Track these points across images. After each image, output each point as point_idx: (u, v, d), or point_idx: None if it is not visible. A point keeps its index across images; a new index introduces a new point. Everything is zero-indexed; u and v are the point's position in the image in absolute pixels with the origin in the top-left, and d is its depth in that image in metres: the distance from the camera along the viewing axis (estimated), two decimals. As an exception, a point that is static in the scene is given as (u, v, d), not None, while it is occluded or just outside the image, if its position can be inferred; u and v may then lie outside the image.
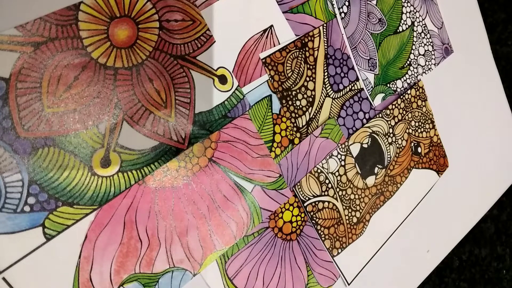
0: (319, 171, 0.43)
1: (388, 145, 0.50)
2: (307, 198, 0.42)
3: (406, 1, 0.54)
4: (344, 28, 0.46)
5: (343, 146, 0.45)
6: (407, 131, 0.52)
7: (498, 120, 0.67)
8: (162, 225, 0.33)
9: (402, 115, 0.52)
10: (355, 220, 0.46)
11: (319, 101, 0.44)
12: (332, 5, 0.46)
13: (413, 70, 0.54)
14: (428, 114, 0.55)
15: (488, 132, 0.64)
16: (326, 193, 0.43)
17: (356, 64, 0.47)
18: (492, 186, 0.65)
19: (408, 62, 0.53)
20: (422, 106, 0.54)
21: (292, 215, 0.41)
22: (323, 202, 0.43)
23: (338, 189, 0.44)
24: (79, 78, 0.31)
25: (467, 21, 0.62)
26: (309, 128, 0.43)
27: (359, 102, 0.48)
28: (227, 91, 0.38)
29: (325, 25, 0.45)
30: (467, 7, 0.63)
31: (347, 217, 0.45)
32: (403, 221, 0.51)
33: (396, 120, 0.51)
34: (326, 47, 0.45)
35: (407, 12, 0.54)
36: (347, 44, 0.47)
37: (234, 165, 0.37)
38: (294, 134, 0.42)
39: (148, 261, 0.32)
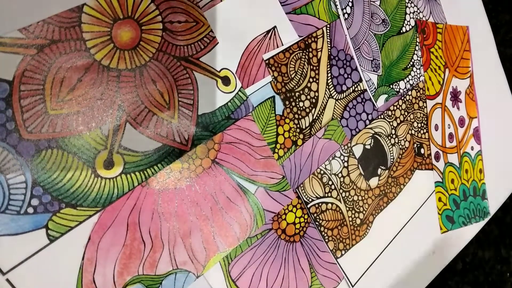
0: (322, 172, 0.43)
1: (391, 146, 0.49)
2: (310, 200, 0.42)
3: (410, 2, 0.53)
4: (347, 29, 0.46)
5: (346, 147, 0.45)
6: (410, 132, 0.52)
7: (503, 121, 0.67)
8: (165, 226, 0.33)
9: (404, 116, 0.51)
10: (358, 221, 0.45)
11: (322, 102, 0.44)
12: (336, 6, 0.45)
13: (416, 71, 0.53)
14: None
15: (493, 134, 0.64)
16: (329, 194, 0.43)
17: (360, 65, 0.47)
18: (497, 188, 0.65)
19: (411, 63, 0.53)
20: (423, 107, 0.54)
21: (296, 217, 0.41)
22: (326, 203, 0.43)
23: (341, 191, 0.44)
24: (83, 80, 0.31)
25: (471, 22, 0.62)
26: (312, 129, 0.43)
27: (362, 103, 0.47)
28: (230, 92, 0.38)
29: (328, 26, 0.44)
30: (471, 7, 0.63)
31: (350, 219, 0.45)
32: (407, 222, 0.51)
33: (398, 121, 0.51)
34: (329, 48, 0.44)
35: (410, 12, 0.53)
36: (350, 45, 0.46)
37: (237, 166, 0.37)
38: (297, 135, 0.41)
39: (151, 262, 0.32)
